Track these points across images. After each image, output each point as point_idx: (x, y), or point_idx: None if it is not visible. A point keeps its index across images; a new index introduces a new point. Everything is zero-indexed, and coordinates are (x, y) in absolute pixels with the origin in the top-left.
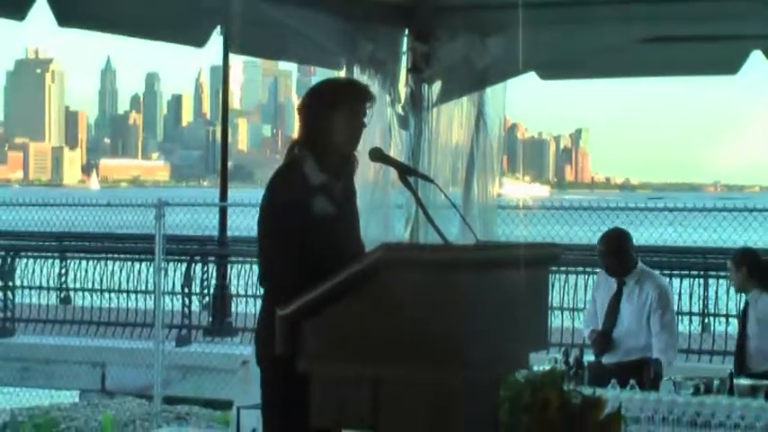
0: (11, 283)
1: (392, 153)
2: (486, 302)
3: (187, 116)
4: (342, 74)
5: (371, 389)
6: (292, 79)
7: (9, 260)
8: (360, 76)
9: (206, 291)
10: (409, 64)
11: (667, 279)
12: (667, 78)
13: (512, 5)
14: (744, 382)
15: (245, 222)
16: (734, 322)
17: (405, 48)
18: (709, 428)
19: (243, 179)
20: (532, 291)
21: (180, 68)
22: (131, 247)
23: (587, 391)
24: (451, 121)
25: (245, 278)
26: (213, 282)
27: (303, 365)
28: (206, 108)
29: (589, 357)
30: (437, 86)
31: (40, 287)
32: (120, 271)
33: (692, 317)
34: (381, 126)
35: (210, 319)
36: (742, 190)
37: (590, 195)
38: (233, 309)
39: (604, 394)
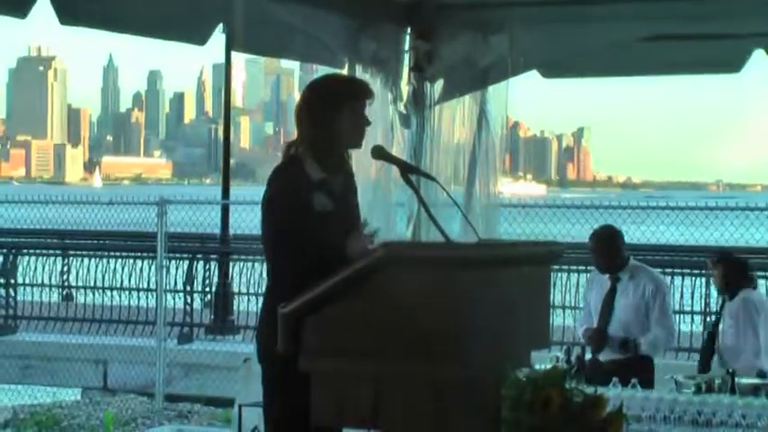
0: (13, 281)
1: (394, 151)
2: (487, 301)
3: (189, 114)
4: (344, 72)
5: (372, 387)
6: (295, 77)
7: (11, 257)
8: (362, 74)
9: (208, 288)
10: (411, 62)
11: (669, 278)
12: (670, 77)
13: (514, 4)
14: (746, 381)
15: (247, 220)
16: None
17: (407, 46)
18: (711, 427)
19: (245, 177)
20: (534, 289)
21: (182, 66)
22: (133, 244)
23: (589, 389)
24: (453, 119)
25: (247, 276)
26: (215, 279)
27: (304, 363)
28: (208, 106)
29: (589, 356)
30: (439, 85)
31: (42, 284)
32: (123, 268)
33: (694, 315)
34: (384, 124)
35: (212, 317)
36: (744, 189)
37: (592, 194)
38: (235, 306)
39: (606, 393)
